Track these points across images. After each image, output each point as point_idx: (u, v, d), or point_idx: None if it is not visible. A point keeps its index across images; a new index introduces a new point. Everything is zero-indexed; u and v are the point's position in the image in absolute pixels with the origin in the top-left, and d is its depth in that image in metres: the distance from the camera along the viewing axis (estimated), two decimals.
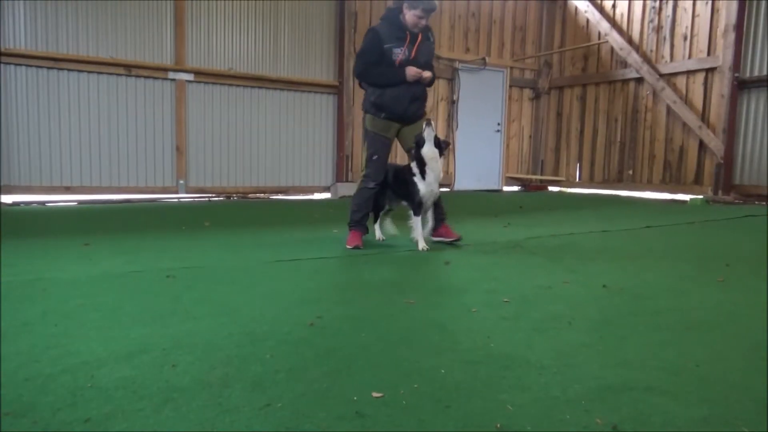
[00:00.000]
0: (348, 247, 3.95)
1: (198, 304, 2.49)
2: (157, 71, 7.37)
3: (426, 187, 3.85)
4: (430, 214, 4.00)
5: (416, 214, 3.93)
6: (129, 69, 7.19)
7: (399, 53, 3.86)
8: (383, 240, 4.26)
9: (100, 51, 7.04)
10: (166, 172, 7.58)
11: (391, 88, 3.91)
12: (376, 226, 4.31)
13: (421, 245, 3.91)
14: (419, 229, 3.93)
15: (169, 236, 4.49)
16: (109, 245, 3.94)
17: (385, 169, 4.03)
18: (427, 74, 3.95)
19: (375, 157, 4.00)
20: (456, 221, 5.54)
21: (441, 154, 3.86)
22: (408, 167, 3.95)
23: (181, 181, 7.64)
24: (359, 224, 4.08)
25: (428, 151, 3.81)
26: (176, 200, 7.51)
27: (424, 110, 4.14)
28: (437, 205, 4.05)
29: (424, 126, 3.82)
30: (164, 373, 1.70)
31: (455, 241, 4.08)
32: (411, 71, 3.88)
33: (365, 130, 4.10)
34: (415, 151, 3.87)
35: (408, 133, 4.06)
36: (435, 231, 4.11)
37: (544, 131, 10.69)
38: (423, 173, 3.84)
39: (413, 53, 3.92)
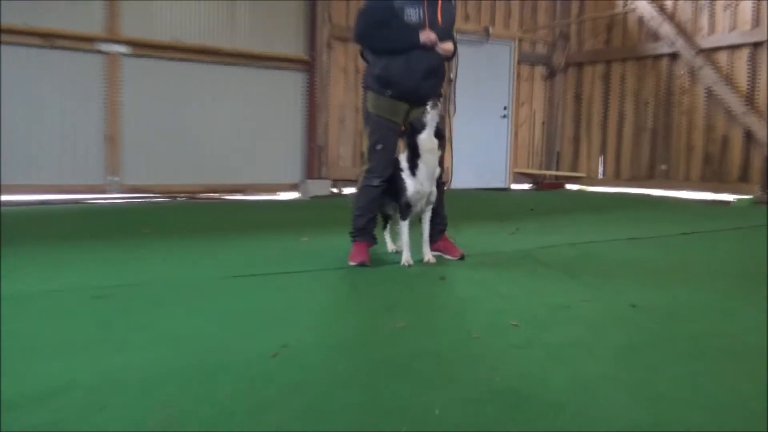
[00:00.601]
0: (351, 263, 3.79)
1: (134, 330, 2.46)
2: (83, 42, 7.29)
3: (416, 185, 3.74)
4: (427, 221, 3.93)
5: (402, 218, 3.85)
6: (48, 39, 7.10)
7: (413, 14, 3.70)
8: (397, 251, 4.07)
9: (11, 17, 6.93)
10: (95, 167, 7.49)
11: (399, 58, 3.73)
12: (386, 235, 4.23)
13: (405, 259, 3.83)
14: (406, 239, 3.84)
15: (99, 246, 4.44)
16: (22, 258, 3.88)
17: (392, 160, 3.85)
18: (448, 46, 3.81)
19: (379, 147, 3.84)
20: (453, 226, 5.56)
21: (440, 147, 3.76)
22: (396, 160, 3.88)
23: (114, 178, 7.56)
24: (364, 233, 3.92)
25: (426, 139, 3.69)
26: (107, 201, 7.42)
27: (440, 90, 3.98)
28: (436, 212, 3.99)
29: (428, 107, 3.68)
30: (91, 418, 1.68)
31: (459, 259, 4.01)
32: (426, 34, 3.71)
33: (366, 113, 3.96)
34: (408, 137, 3.76)
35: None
36: (433, 243, 4.05)
37: (560, 117, 10.79)
38: (414, 167, 3.73)
39: (438, 16, 3.77)
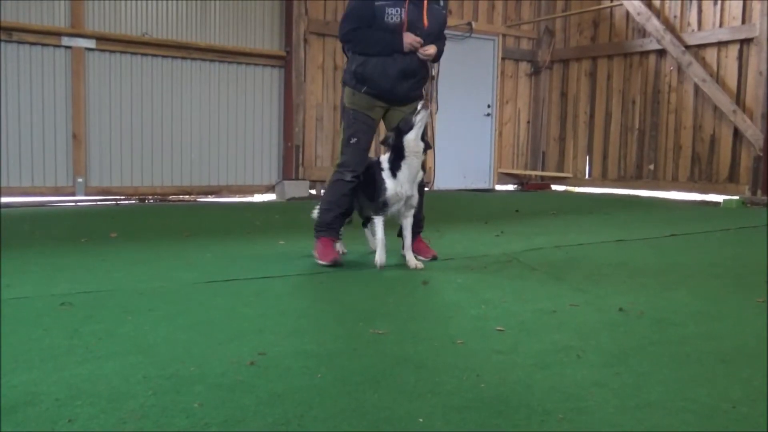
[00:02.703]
0: (321, 262, 3.87)
1: (102, 339, 2.45)
2: (46, 36, 7.21)
3: (396, 186, 3.79)
4: (408, 226, 3.97)
5: (376, 213, 3.89)
6: (9, 33, 7.02)
7: (394, 14, 3.79)
8: (344, 253, 4.22)
9: None
10: (59, 168, 7.41)
11: (377, 57, 3.87)
12: (367, 233, 4.28)
13: (379, 258, 3.85)
14: (380, 235, 3.86)
15: (64, 251, 4.41)
16: None
17: (366, 156, 3.98)
18: (430, 50, 3.89)
19: (353, 141, 3.95)
20: (436, 229, 5.58)
21: (425, 149, 3.85)
22: (377, 161, 3.93)
23: (80, 180, 7.48)
24: (330, 229, 4.00)
25: (413, 140, 3.75)
26: (73, 204, 7.35)
27: (421, 91, 4.10)
28: (415, 215, 4.04)
29: (418, 107, 3.77)
30: (58, 431, 1.67)
31: (431, 260, 4.13)
32: (408, 38, 3.82)
33: (343, 107, 4.10)
34: (394, 138, 3.82)
35: (395, 117, 3.99)
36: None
37: (545, 116, 10.88)
38: (395, 168, 3.78)
39: (424, 18, 3.86)
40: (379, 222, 3.87)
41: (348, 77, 4.01)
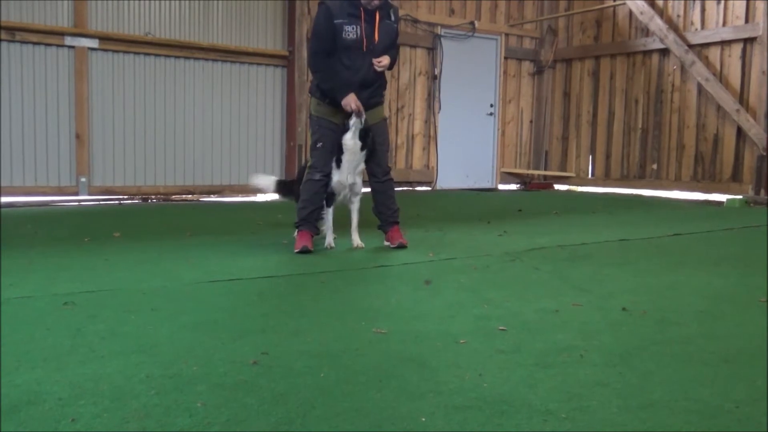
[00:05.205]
0: (296, 251, 4.33)
1: (105, 338, 2.45)
2: (49, 36, 7.22)
3: (339, 176, 4.46)
4: (355, 211, 4.58)
5: (327, 205, 4.54)
6: (12, 33, 7.03)
7: (351, 31, 4.28)
8: (332, 247, 4.56)
9: None
10: (62, 168, 7.42)
11: (335, 72, 4.35)
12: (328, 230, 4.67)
13: (328, 241, 4.54)
14: (329, 223, 4.56)
15: (67, 251, 4.42)
16: None
17: (332, 157, 4.49)
18: (384, 60, 4.37)
19: (319, 145, 4.51)
20: (439, 228, 5.59)
21: (363, 148, 4.41)
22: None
23: (83, 179, 7.49)
24: (307, 223, 4.51)
25: (349, 140, 4.40)
26: (76, 204, 7.37)
27: (380, 98, 4.62)
28: (386, 204, 4.58)
29: (353, 115, 4.35)
30: (62, 431, 1.67)
31: (398, 246, 4.52)
32: (350, 99, 4.29)
33: (310, 115, 4.68)
34: (337, 136, 4.44)
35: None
36: (386, 233, 4.64)
37: (548, 115, 10.87)
38: (339, 162, 4.46)
39: (375, 35, 4.35)
40: (328, 212, 4.55)
41: (313, 89, 4.59)
